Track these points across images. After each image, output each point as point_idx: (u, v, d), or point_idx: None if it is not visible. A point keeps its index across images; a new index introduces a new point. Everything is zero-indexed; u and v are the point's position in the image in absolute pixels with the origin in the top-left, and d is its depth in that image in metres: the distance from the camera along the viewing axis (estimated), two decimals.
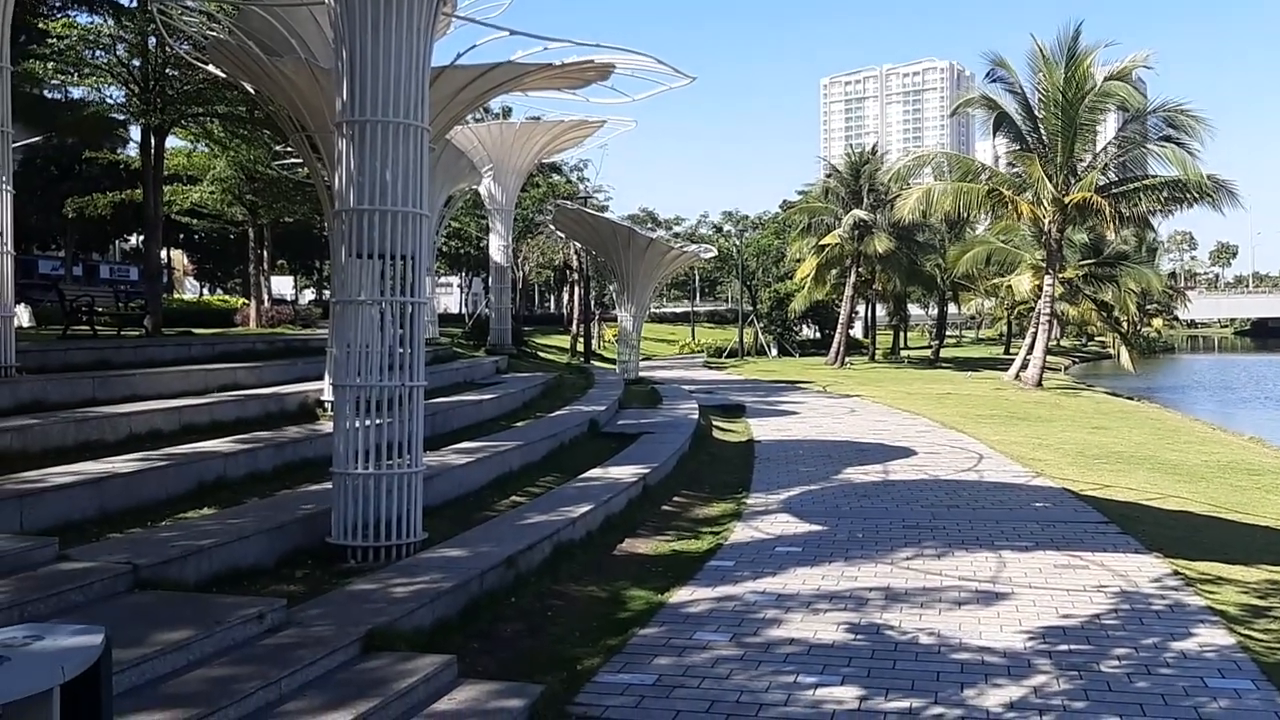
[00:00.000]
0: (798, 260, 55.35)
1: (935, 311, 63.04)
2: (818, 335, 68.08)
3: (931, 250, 52.71)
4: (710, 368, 47.48)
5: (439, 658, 5.97)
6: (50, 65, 21.26)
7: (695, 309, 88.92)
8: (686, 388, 29.29)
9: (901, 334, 67.33)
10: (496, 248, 30.20)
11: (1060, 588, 8.56)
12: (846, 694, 6.17)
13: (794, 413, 24.15)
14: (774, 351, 62.79)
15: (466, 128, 25.50)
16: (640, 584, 8.73)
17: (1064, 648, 7.01)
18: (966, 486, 13.73)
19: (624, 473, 12.49)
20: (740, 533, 10.86)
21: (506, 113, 40.19)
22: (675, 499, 12.64)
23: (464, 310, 59.94)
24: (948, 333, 69.95)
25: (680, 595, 8.41)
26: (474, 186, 30.25)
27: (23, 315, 26.90)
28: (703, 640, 7.20)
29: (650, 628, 7.54)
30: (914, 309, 71.68)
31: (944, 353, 58.29)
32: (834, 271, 51.37)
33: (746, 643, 7.15)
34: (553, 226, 38.10)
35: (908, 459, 16.35)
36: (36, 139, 37.96)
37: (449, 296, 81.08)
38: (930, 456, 16.57)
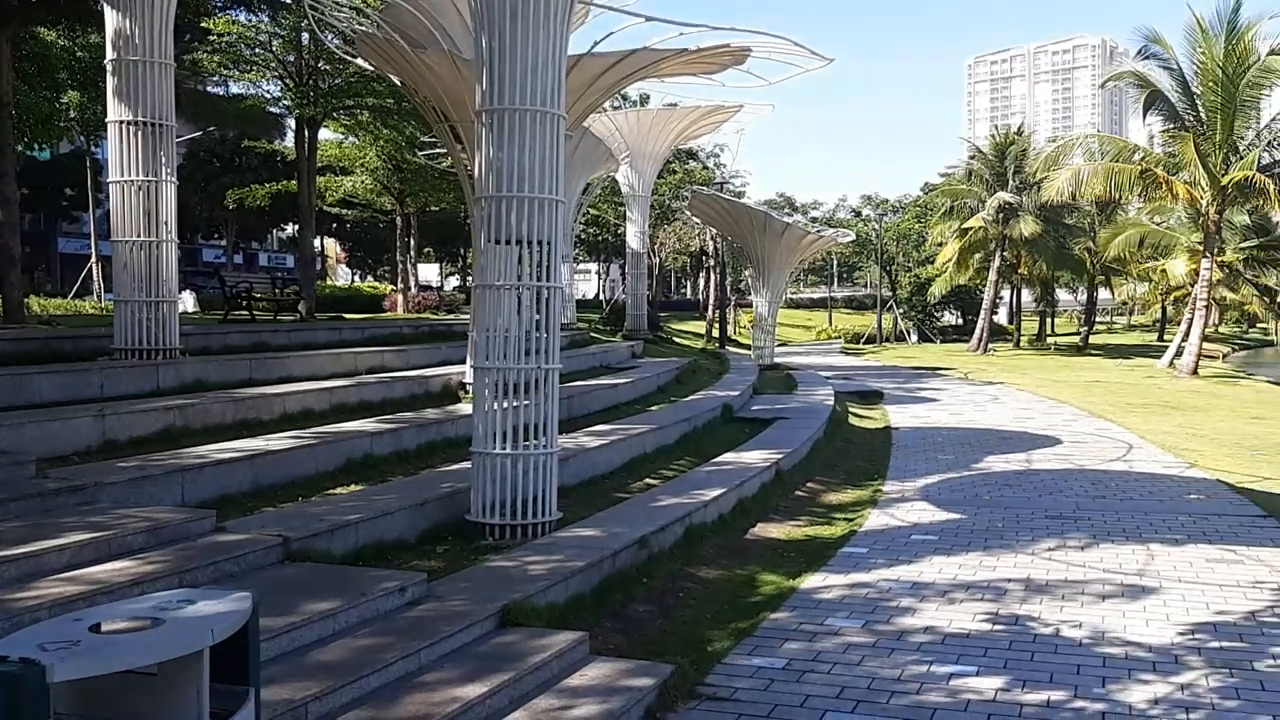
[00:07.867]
0: (939, 244, 54.12)
1: (1084, 297, 60.58)
2: (959, 321, 66.48)
3: (1081, 233, 50.76)
4: (847, 354, 46.82)
5: (571, 634, 6.10)
6: (215, 59, 22.33)
7: (833, 294, 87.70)
8: (823, 374, 28.98)
9: (1048, 320, 64.94)
10: (633, 234, 30.46)
11: (1213, 583, 8.19)
12: (983, 684, 6.05)
13: (934, 400, 23.63)
14: (914, 338, 61.59)
15: (604, 115, 25.70)
16: (772, 568, 8.73)
17: (1215, 645, 6.72)
18: (1114, 477, 13.22)
19: (757, 457, 12.47)
20: (875, 520, 10.73)
21: (644, 100, 40.27)
22: (809, 485, 12.56)
23: (601, 296, 60.50)
24: (1098, 319, 67.09)
25: (812, 581, 8.38)
26: (612, 174, 30.53)
27: (188, 301, 28.47)
28: (834, 626, 7.16)
29: (781, 612, 7.53)
30: (1062, 294, 69.12)
31: (1093, 339, 55.93)
32: (978, 256, 50.03)
33: (879, 630, 7.08)
34: (689, 212, 38.11)
35: (1052, 448, 15.84)
36: (198, 133, 40.08)
37: (586, 283, 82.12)
38: (1076, 446, 16.01)
